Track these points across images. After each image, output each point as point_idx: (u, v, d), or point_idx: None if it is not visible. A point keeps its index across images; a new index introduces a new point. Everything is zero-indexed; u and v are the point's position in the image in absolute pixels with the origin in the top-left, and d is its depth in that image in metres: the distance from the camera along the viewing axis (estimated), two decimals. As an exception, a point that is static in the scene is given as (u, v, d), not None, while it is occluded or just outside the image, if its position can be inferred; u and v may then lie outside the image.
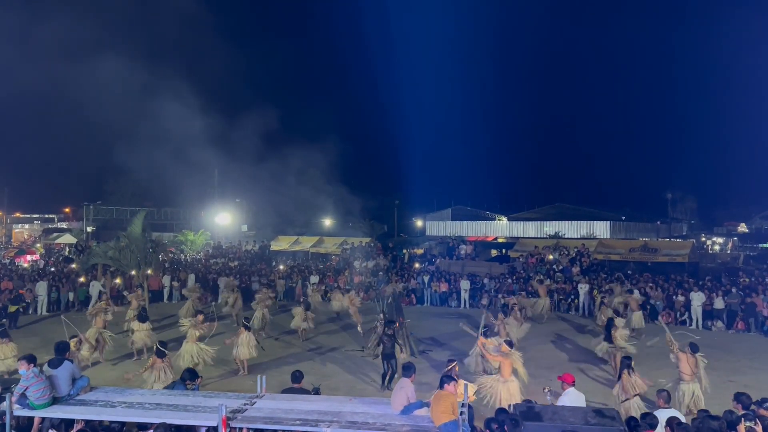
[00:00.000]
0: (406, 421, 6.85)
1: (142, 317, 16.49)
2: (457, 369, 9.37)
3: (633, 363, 10.64)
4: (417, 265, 31.16)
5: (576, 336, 19.34)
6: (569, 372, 9.66)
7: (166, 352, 11.50)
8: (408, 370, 7.74)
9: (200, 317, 14.76)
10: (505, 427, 6.93)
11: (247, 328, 14.59)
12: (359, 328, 17.75)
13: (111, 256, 24.43)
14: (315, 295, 23.04)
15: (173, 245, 40.14)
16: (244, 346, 14.21)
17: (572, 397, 8.35)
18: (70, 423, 7.94)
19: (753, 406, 7.56)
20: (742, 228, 61.88)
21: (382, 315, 15.55)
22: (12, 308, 20.31)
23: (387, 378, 12.97)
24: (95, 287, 24.80)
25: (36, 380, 7.15)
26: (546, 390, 8.78)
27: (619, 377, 10.34)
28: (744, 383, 13.15)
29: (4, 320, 19.60)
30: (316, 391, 9.09)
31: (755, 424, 6.86)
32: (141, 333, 16.09)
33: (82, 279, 25.66)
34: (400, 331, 16.41)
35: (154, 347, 11.94)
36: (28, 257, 37.68)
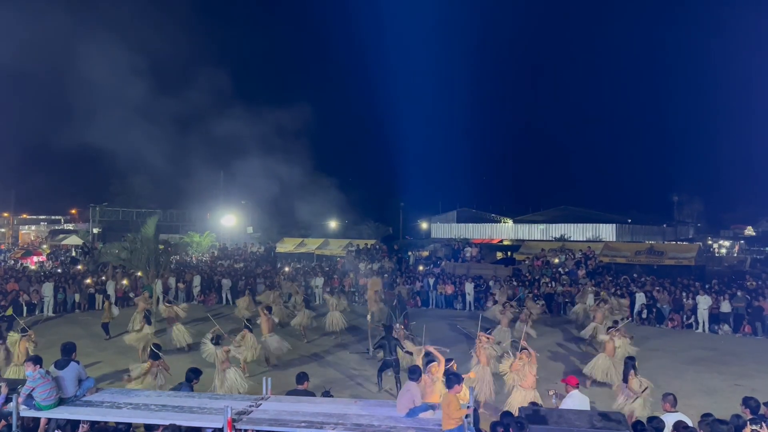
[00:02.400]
0: (411, 423, 6.84)
1: (147, 319, 16.51)
2: (455, 368, 9.30)
3: (637, 363, 10.63)
4: (421, 268, 31.13)
5: (581, 339, 19.24)
6: (573, 375, 9.62)
7: (161, 354, 11.33)
8: (414, 373, 7.72)
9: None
10: (511, 430, 6.91)
11: (250, 330, 14.59)
12: (369, 317, 17.46)
13: (123, 258, 24.58)
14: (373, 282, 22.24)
15: (180, 247, 40.28)
16: (248, 348, 14.21)
17: (576, 400, 8.33)
18: (76, 424, 7.97)
19: (762, 408, 7.53)
20: (749, 231, 61.56)
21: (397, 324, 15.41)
22: (9, 312, 20.39)
23: (396, 382, 12.90)
24: (158, 285, 25.26)
25: (42, 381, 7.19)
26: (551, 393, 8.75)
27: (625, 379, 10.29)
28: (751, 387, 13.11)
29: (3, 323, 19.75)
30: (327, 394, 9.10)
31: (761, 428, 6.84)
32: (138, 334, 16.09)
33: (88, 280, 25.79)
34: (406, 332, 16.39)
35: (149, 349, 11.79)
36: (35, 258, 37.89)
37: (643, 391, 9.98)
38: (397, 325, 14.93)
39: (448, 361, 9.57)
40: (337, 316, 18.87)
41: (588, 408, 8.12)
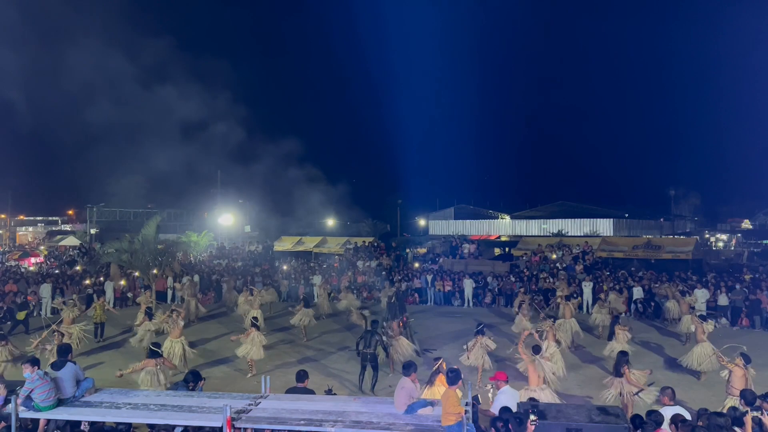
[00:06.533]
0: (410, 420, 6.85)
1: (149, 315, 16.45)
2: (444, 367, 9.32)
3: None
4: (417, 265, 31.13)
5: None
6: (504, 371, 9.71)
7: (160, 352, 11.26)
8: (408, 368, 7.68)
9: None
10: (510, 425, 6.93)
11: (257, 328, 14.58)
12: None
13: (124, 259, 24.51)
14: (323, 294, 23.16)
15: (178, 247, 40.17)
16: (255, 345, 14.18)
17: (508, 396, 8.45)
18: (74, 424, 7.96)
19: (758, 401, 7.58)
20: (746, 224, 61.75)
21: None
22: (20, 315, 20.36)
23: (363, 379, 12.91)
24: (191, 283, 25.19)
25: (41, 382, 7.18)
26: (488, 387, 8.81)
27: (619, 374, 10.29)
28: (749, 380, 13.12)
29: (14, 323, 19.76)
30: (330, 393, 9.09)
31: (762, 415, 6.90)
32: (140, 331, 16.11)
33: (87, 281, 25.73)
34: (404, 330, 16.42)
35: (147, 348, 11.74)
36: (32, 260, 37.82)
37: (649, 384, 10.05)
38: (392, 323, 15.01)
39: (436, 359, 9.57)
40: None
41: (518, 401, 8.22)
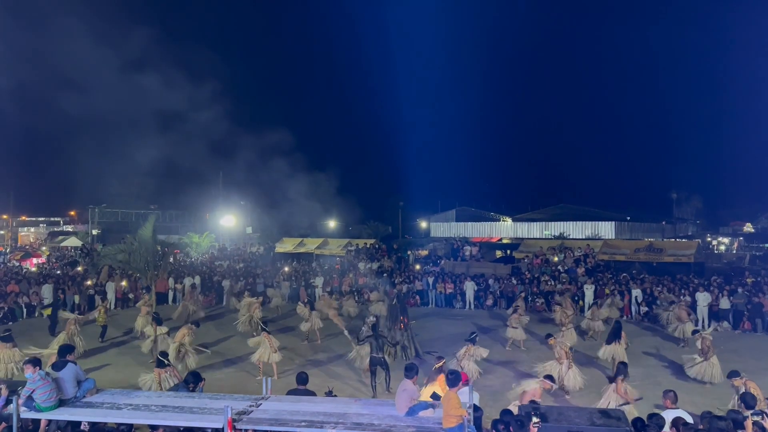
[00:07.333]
0: (411, 422, 6.84)
1: (157, 320, 16.45)
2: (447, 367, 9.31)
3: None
4: (418, 267, 31.12)
5: (580, 336, 19.23)
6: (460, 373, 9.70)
7: (166, 362, 11.24)
8: (410, 371, 7.68)
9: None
10: (511, 428, 6.93)
11: (267, 332, 14.56)
12: (345, 333, 17.12)
13: (120, 259, 24.48)
14: (326, 302, 22.87)
15: (178, 248, 40.23)
16: (269, 349, 14.15)
17: (464, 396, 8.52)
18: (76, 425, 7.96)
19: (763, 402, 7.57)
20: (748, 228, 61.69)
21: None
22: (47, 311, 20.65)
23: (375, 385, 12.81)
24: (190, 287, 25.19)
25: (42, 383, 7.18)
26: None
27: (613, 380, 10.26)
28: (750, 384, 13.08)
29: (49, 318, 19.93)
30: (330, 394, 9.11)
31: (762, 419, 6.88)
32: (152, 338, 16.11)
33: (88, 282, 25.77)
34: (405, 332, 16.39)
35: (155, 358, 11.71)
36: (34, 260, 37.87)
37: (636, 399, 10.00)
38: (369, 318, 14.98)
39: (439, 358, 9.58)
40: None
41: (476, 402, 8.27)
